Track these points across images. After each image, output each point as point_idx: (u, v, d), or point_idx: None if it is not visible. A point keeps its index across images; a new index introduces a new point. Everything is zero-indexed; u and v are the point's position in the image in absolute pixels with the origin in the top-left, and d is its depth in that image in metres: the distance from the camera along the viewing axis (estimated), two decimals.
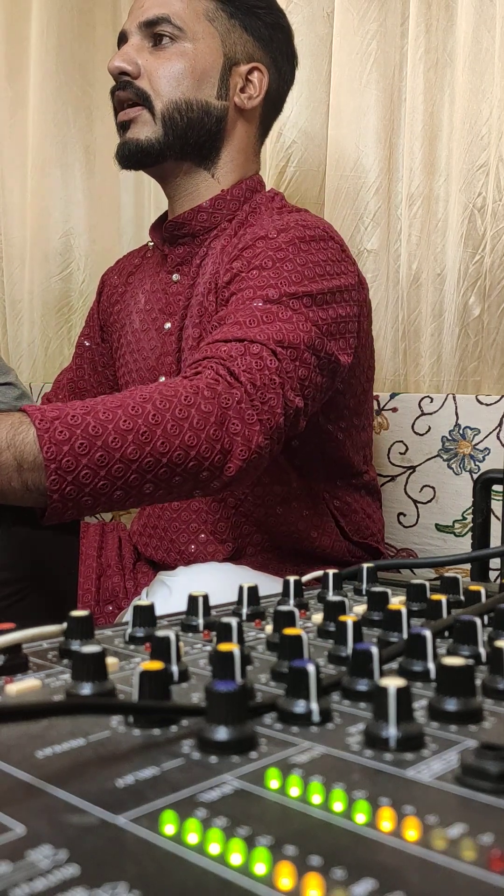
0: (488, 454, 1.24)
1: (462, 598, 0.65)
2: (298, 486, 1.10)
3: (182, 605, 0.61)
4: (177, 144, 1.09)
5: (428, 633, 0.46)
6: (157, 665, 0.39)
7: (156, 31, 1.08)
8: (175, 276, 1.15)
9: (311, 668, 0.39)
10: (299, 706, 0.39)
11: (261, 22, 1.13)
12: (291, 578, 0.64)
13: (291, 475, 1.09)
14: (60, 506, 0.73)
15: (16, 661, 0.48)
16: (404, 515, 1.33)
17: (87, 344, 1.32)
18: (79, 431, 0.73)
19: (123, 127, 1.11)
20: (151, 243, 1.23)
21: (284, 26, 1.17)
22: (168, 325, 1.14)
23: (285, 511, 1.10)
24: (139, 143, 1.08)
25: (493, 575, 1.00)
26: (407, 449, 1.33)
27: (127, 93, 1.09)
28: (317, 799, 0.32)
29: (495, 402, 1.24)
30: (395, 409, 1.34)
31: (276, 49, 1.15)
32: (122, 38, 1.12)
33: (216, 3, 1.10)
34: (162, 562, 1.13)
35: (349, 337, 1.02)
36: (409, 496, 1.33)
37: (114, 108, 1.13)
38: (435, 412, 1.30)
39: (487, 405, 1.25)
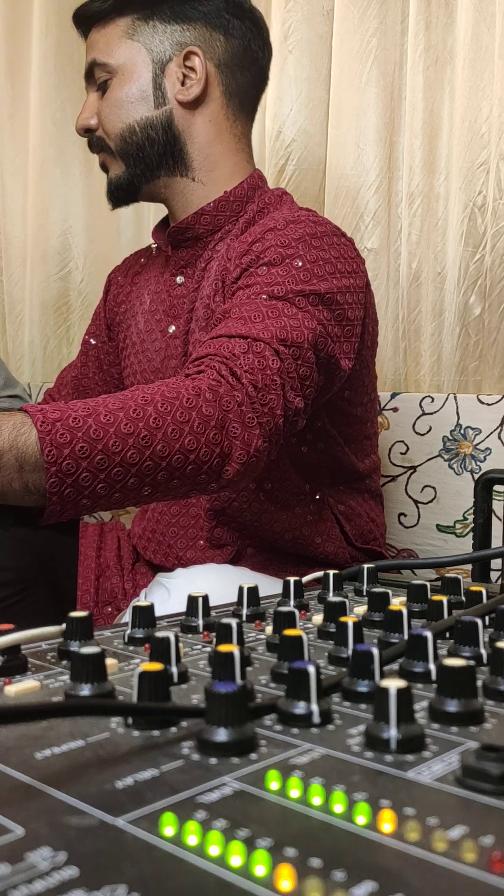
0: (489, 454, 1.24)
1: (463, 598, 0.65)
2: (304, 492, 1.09)
3: (180, 607, 0.61)
4: (139, 168, 1.12)
5: (429, 634, 0.45)
6: (156, 666, 0.39)
7: (95, 78, 1.13)
8: (179, 279, 1.14)
9: (311, 670, 0.39)
10: (299, 707, 0.39)
11: (173, 0, 1.09)
12: (292, 579, 0.64)
13: (297, 480, 1.09)
14: (59, 507, 0.74)
15: (15, 663, 0.48)
16: (405, 516, 1.33)
17: (93, 342, 1.31)
18: (80, 434, 0.73)
19: (104, 170, 1.18)
20: (155, 245, 1.23)
21: None
22: (172, 329, 1.13)
23: (289, 516, 1.09)
24: (110, 181, 1.15)
25: (494, 576, 1.00)
26: (408, 449, 1.33)
27: (93, 147, 1.16)
28: (317, 800, 0.32)
29: (496, 402, 1.24)
30: (395, 409, 1.34)
31: (203, 16, 1.09)
32: (86, 78, 1.16)
33: (131, 17, 1.09)
34: (160, 565, 1.13)
35: (353, 341, 1.01)
36: (410, 496, 1.33)
37: None
38: (436, 412, 1.30)
39: (488, 405, 1.25)
